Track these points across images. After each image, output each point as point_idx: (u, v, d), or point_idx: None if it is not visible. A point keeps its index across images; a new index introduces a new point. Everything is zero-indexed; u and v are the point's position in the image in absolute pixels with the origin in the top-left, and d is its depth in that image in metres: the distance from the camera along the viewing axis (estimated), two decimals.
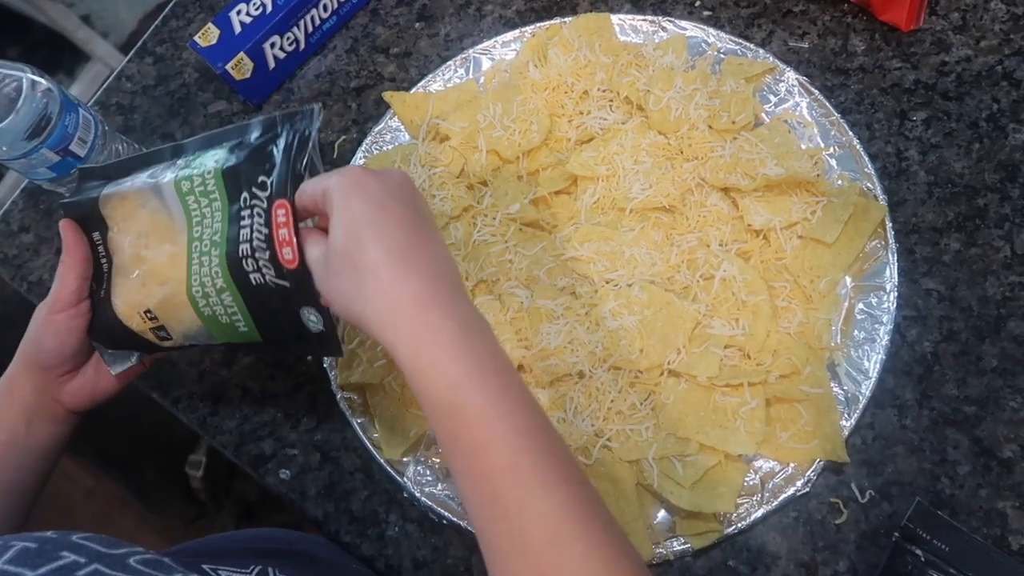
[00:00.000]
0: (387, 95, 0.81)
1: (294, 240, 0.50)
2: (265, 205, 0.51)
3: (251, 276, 0.52)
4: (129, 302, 0.58)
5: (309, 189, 0.50)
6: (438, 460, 0.69)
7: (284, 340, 0.56)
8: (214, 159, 0.55)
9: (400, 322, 0.46)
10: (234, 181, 0.54)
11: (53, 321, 0.59)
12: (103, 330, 0.59)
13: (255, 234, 0.52)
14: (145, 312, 0.57)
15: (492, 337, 0.48)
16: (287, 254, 0.50)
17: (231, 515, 1.53)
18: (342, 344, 0.54)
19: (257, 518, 1.53)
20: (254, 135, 0.56)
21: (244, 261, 0.52)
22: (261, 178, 0.52)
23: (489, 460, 0.44)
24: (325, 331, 0.53)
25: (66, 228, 0.58)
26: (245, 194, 0.53)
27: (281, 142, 0.53)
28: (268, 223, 0.51)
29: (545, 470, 0.44)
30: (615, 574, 0.42)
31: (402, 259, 0.46)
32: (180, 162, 0.58)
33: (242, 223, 0.53)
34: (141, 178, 0.58)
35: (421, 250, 0.48)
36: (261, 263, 0.51)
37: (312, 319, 0.52)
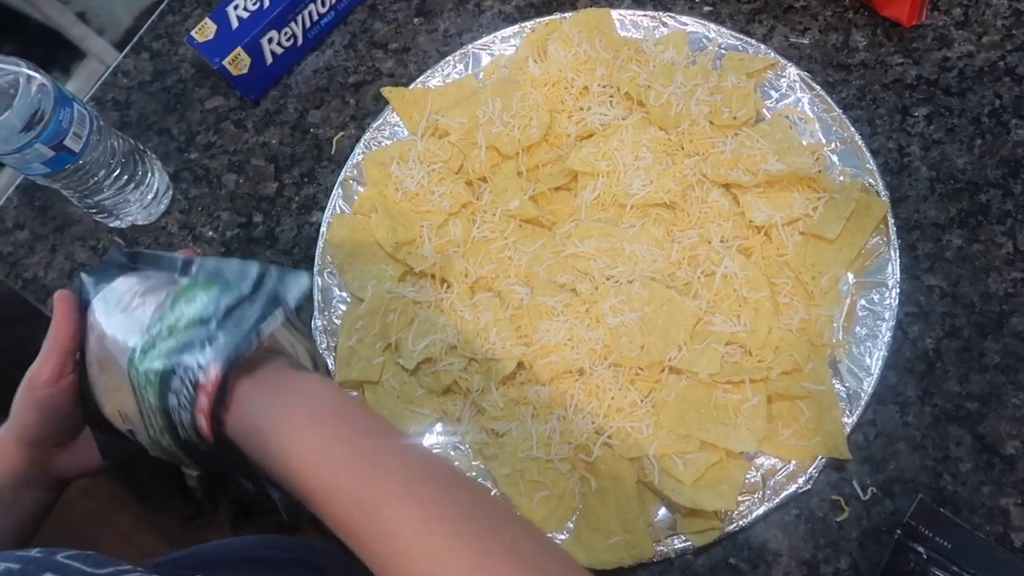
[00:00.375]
0: (386, 91, 0.80)
1: (209, 418, 0.46)
2: (193, 371, 0.47)
3: (177, 432, 0.48)
4: (107, 398, 0.54)
5: None
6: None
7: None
8: (198, 304, 0.51)
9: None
10: (190, 329, 0.49)
11: (35, 397, 0.56)
12: (94, 417, 0.56)
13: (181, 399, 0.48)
14: (118, 413, 0.53)
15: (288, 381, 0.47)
16: (200, 421, 0.47)
17: (227, 514, 1.52)
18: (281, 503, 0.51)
19: (254, 517, 1.52)
20: (244, 287, 0.51)
21: (181, 417, 0.48)
22: (202, 335, 0.48)
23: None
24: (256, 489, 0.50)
25: (59, 301, 0.56)
26: (191, 335, 0.48)
27: (256, 311, 0.49)
28: (195, 394, 0.47)
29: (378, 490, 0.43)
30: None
31: None
32: (167, 289, 0.53)
33: (176, 373, 0.47)
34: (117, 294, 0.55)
35: None
36: (189, 425, 0.48)
37: (248, 484, 0.50)
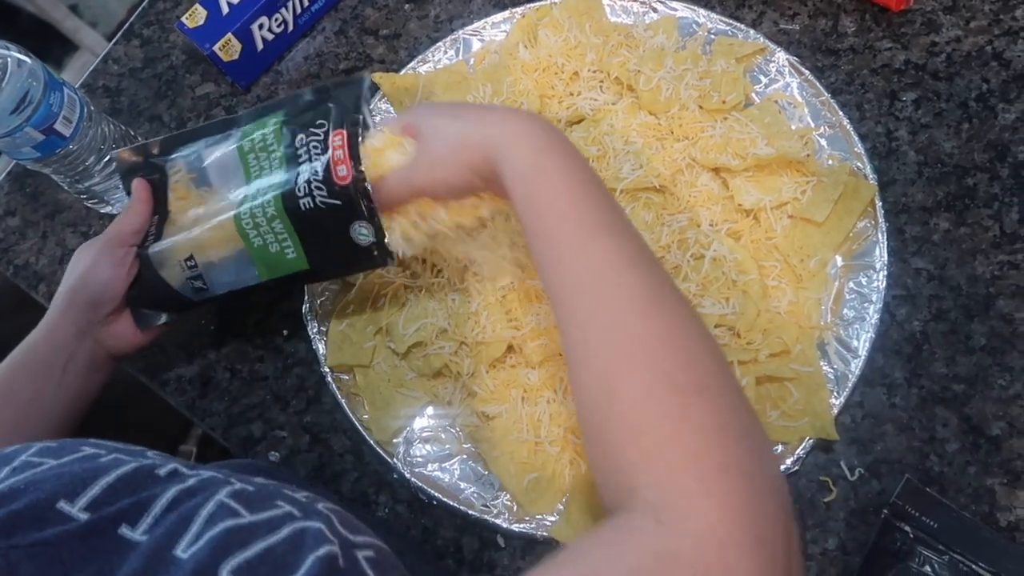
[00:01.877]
0: (376, 76, 0.80)
1: (348, 160, 0.55)
2: (321, 138, 0.57)
3: (301, 201, 0.57)
4: (172, 248, 0.62)
5: (396, 122, 0.58)
6: (427, 443, 0.69)
7: (330, 262, 0.60)
8: (272, 121, 0.61)
9: (493, 121, 0.52)
10: (291, 132, 0.59)
11: (111, 254, 0.63)
12: (141, 287, 0.64)
13: (311, 165, 0.57)
14: (186, 260, 0.62)
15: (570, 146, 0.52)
16: (341, 171, 0.55)
17: None
18: (392, 254, 0.58)
19: None
20: (306, 96, 0.62)
21: (297, 190, 0.57)
22: (319, 121, 0.59)
23: (552, 212, 0.48)
24: (376, 240, 0.57)
25: (140, 186, 0.65)
26: (301, 136, 0.58)
27: (339, 99, 0.60)
28: (325, 150, 0.56)
29: (595, 222, 0.47)
30: (665, 314, 0.44)
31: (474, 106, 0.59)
32: (236, 132, 0.63)
33: (299, 160, 0.58)
34: (195, 155, 0.65)
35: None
36: (314, 187, 0.56)
37: (363, 232, 0.57)
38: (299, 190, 0.57)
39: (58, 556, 0.35)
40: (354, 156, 0.56)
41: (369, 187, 0.55)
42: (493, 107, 0.58)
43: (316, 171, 0.56)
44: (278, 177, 0.59)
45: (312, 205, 0.56)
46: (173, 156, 0.66)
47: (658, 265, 0.47)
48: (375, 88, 0.80)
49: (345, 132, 0.57)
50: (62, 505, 0.37)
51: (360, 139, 0.57)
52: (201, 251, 0.61)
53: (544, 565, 0.38)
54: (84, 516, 0.37)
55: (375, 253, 0.58)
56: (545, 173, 0.49)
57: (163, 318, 0.67)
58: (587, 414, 0.44)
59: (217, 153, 0.63)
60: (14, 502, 0.37)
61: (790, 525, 0.39)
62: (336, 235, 0.57)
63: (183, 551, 0.36)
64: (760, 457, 0.41)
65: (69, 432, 0.64)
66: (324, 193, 0.56)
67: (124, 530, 0.37)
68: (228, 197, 0.61)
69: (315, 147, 0.57)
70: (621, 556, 0.37)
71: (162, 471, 0.41)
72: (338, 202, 0.56)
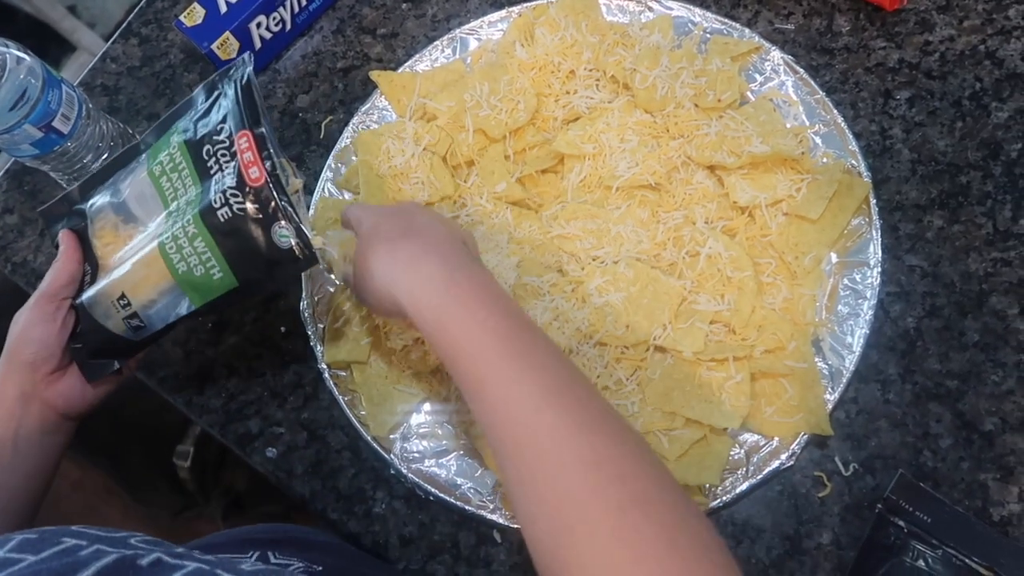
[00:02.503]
0: (374, 74, 0.81)
1: (258, 160, 0.54)
2: (227, 145, 0.56)
3: (219, 213, 0.55)
4: (103, 291, 0.60)
5: (349, 213, 0.61)
6: (424, 439, 0.69)
7: (259, 274, 0.57)
8: (176, 138, 0.59)
9: (396, 279, 0.53)
10: (196, 146, 0.58)
11: (40, 311, 0.60)
12: (82, 338, 0.61)
13: (223, 176, 0.55)
14: (118, 299, 0.59)
15: (479, 274, 0.53)
16: (253, 173, 0.54)
17: (219, 506, 1.52)
18: (315, 252, 0.56)
19: (245, 508, 1.53)
20: (200, 101, 0.60)
21: (214, 202, 0.55)
22: (219, 126, 0.57)
23: (470, 365, 0.48)
24: (299, 241, 0.55)
25: (67, 237, 0.63)
26: (207, 147, 0.57)
27: (229, 94, 0.58)
28: (233, 155, 0.55)
29: (507, 357, 0.47)
30: (598, 440, 0.44)
31: (395, 237, 0.55)
32: (145, 155, 0.62)
33: (211, 172, 0.56)
34: (111, 193, 0.63)
35: (415, 229, 0.56)
36: (229, 196, 0.54)
37: (283, 233, 0.55)
38: (215, 202, 0.55)
39: None
40: (263, 155, 0.54)
41: (285, 183, 0.54)
42: (409, 233, 0.55)
43: (229, 179, 0.55)
44: (193, 194, 0.57)
45: (230, 214, 0.55)
46: (93, 199, 0.64)
47: (579, 385, 0.47)
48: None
49: (250, 133, 0.55)
50: None
51: (268, 131, 0.56)
52: (132, 289, 0.59)
53: None
54: None
55: (298, 255, 0.55)
56: (449, 325, 0.49)
57: (114, 366, 0.62)
58: (537, 541, 0.43)
59: (132, 183, 0.62)
60: None
61: None
62: (258, 242, 0.55)
63: None
64: (707, 559, 0.41)
65: (36, 501, 0.61)
66: (239, 199, 0.54)
67: None
68: (150, 227, 0.60)
69: (222, 155, 0.56)
70: None
71: (144, 561, 0.40)
72: (255, 205, 0.54)
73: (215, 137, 0.57)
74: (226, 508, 1.52)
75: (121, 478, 1.47)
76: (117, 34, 0.93)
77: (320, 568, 0.59)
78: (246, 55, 0.61)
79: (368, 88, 0.83)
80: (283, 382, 0.75)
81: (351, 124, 0.80)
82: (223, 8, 0.82)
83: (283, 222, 0.54)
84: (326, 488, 0.71)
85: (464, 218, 0.73)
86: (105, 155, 0.77)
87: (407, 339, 0.70)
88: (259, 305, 0.78)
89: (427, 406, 0.70)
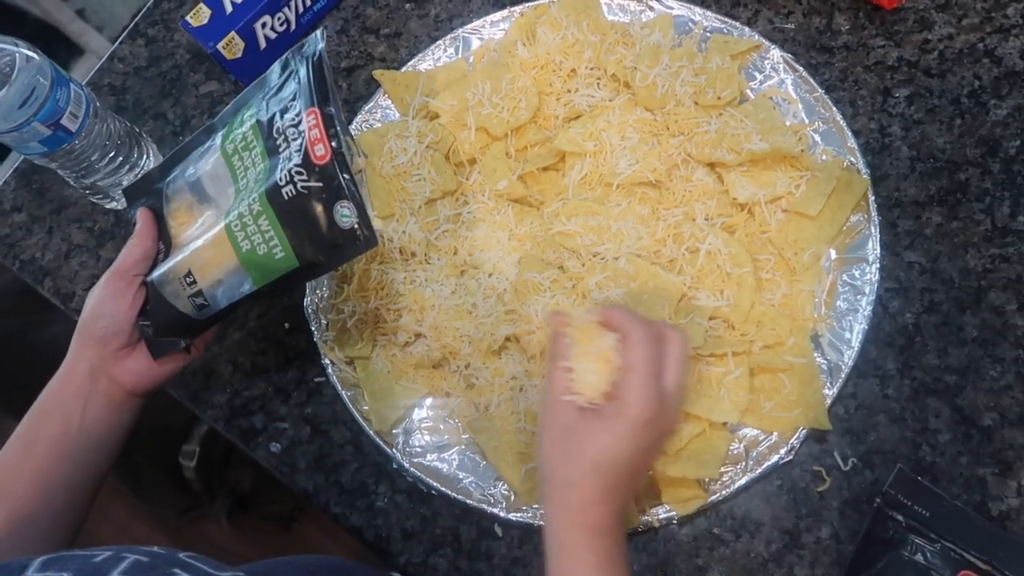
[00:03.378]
0: (377, 74, 0.81)
1: (325, 138, 0.54)
2: (296, 123, 0.56)
3: (283, 191, 0.55)
4: (172, 269, 0.61)
5: (622, 319, 0.52)
6: (426, 434, 0.70)
7: (319, 255, 0.57)
8: (248, 116, 0.60)
9: (583, 491, 0.51)
10: (268, 125, 0.58)
11: (111, 286, 0.61)
12: (152, 316, 0.62)
13: (291, 154, 0.56)
14: (185, 277, 0.60)
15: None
16: (319, 151, 0.54)
17: (223, 506, 1.53)
18: (376, 234, 0.56)
19: (249, 508, 1.53)
20: (274, 78, 0.61)
21: (280, 180, 0.55)
22: (290, 103, 0.57)
23: None
24: (360, 221, 0.55)
25: (143, 214, 0.64)
26: (278, 124, 0.57)
27: (301, 72, 0.58)
28: (300, 134, 0.55)
29: None
30: None
31: (607, 488, 0.51)
32: (219, 135, 0.63)
33: (279, 150, 0.57)
34: (187, 172, 0.64)
35: (623, 490, 0.52)
36: (294, 173, 0.55)
37: (345, 212, 0.54)
38: (281, 180, 0.55)
39: None
40: (330, 133, 0.54)
41: (350, 162, 0.54)
42: (629, 463, 0.51)
43: (295, 157, 0.55)
44: (262, 172, 0.58)
45: (295, 192, 0.55)
46: (171, 177, 0.65)
47: None
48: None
49: (318, 111, 0.56)
50: None
51: (336, 110, 0.56)
52: (198, 267, 0.60)
53: None
54: None
55: (358, 235, 0.55)
56: (565, 552, 0.50)
57: (180, 345, 0.63)
58: None
59: (206, 163, 0.62)
60: None
61: None
62: (320, 221, 0.55)
63: None
64: None
65: (102, 474, 0.63)
66: (304, 177, 0.55)
67: None
68: (221, 206, 0.61)
69: (291, 132, 0.56)
70: None
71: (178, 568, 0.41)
72: (319, 183, 0.54)
73: (285, 115, 0.57)
74: (231, 508, 1.53)
75: (128, 478, 1.47)
76: (124, 35, 0.94)
77: None
78: (319, 32, 0.60)
79: (372, 87, 0.84)
80: (287, 378, 0.76)
81: (355, 123, 0.81)
82: (228, 8, 0.83)
83: (346, 201, 0.54)
84: (329, 482, 0.71)
85: (466, 215, 0.73)
86: (112, 153, 0.78)
87: (409, 335, 0.71)
88: (263, 302, 0.78)
89: (429, 401, 0.71)
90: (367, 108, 0.81)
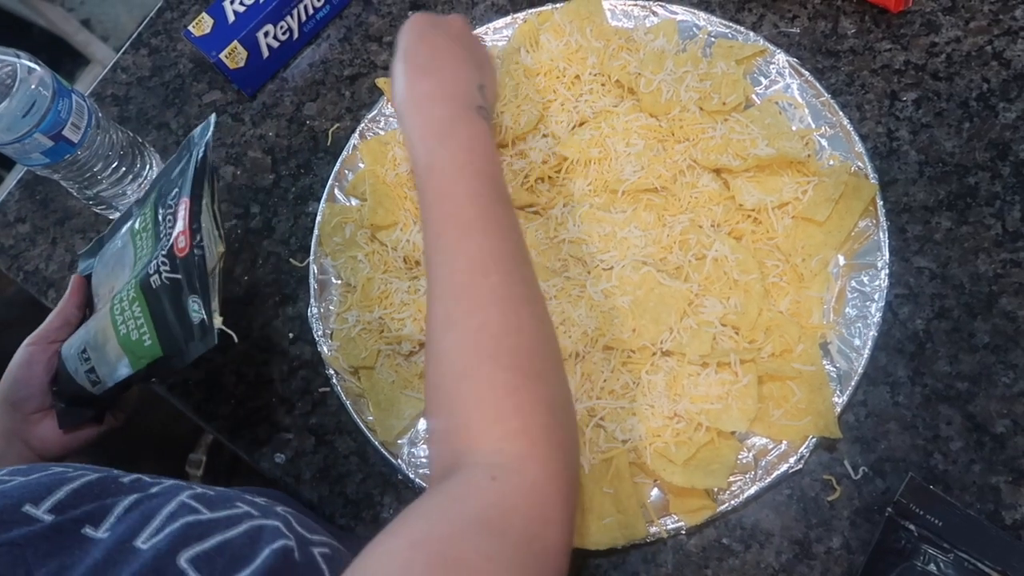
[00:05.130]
0: (380, 81, 0.81)
1: (188, 231, 0.54)
2: (174, 211, 0.56)
3: (152, 280, 0.55)
4: (73, 342, 0.61)
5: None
6: None
7: (177, 346, 0.55)
8: (153, 196, 0.61)
9: (407, 112, 0.60)
10: (161, 206, 0.59)
11: (27, 351, 0.62)
12: (59, 384, 0.62)
13: (166, 242, 0.56)
14: (81, 353, 0.60)
15: (477, 127, 0.59)
16: (180, 243, 0.54)
17: None
18: (214, 332, 0.54)
19: None
20: (181, 158, 0.61)
21: (150, 269, 0.55)
22: (175, 190, 0.58)
23: (443, 208, 0.54)
24: (204, 317, 0.54)
25: (73, 281, 0.66)
26: (162, 211, 0.58)
27: (194, 155, 0.58)
28: (175, 221, 0.56)
29: (484, 221, 0.53)
30: (520, 311, 0.49)
31: (419, 68, 0.62)
32: (136, 210, 0.63)
33: (161, 238, 0.57)
34: (114, 241, 0.65)
35: (439, 63, 0.62)
36: (161, 263, 0.55)
37: (194, 308, 0.54)
38: (151, 269, 0.55)
39: (22, 555, 0.36)
40: (194, 228, 0.54)
41: (208, 260, 0.53)
42: (431, 68, 0.62)
43: (165, 246, 0.55)
44: (148, 256, 0.57)
45: (160, 283, 0.55)
46: (110, 242, 0.64)
47: (524, 263, 0.53)
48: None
49: (188, 200, 0.55)
50: (28, 508, 0.39)
51: (209, 200, 0.56)
52: (92, 343, 0.59)
53: (393, 524, 0.41)
54: (49, 518, 0.38)
55: (204, 332, 0.54)
56: (435, 170, 0.55)
57: (87, 416, 0.63)
58: (438, 380, 0.49)
59: (123, 234, 0.63)
60: None
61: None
62: (177, 314, 0.55)
63: (143, 543, 0.38)
64: (573, 437, 0.48)
65: None
66: (168, 268, 0.54)
67: (87, 530, 0.39)
68: (119, 285, 0.60)
69: (169, 221, 0.56)
70: (464, 505, 0.41)
71: (126, 479, 0.43)
72: (178, 276, 0.54)
73: (169, 201, 0.58)
74: None
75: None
76: (127, 45, 0.94)
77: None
78: (212, 116, 0.61)
79: (375, 95, 0.84)
80: (291, 388, 0.75)
81: (358, 131, 0.80)
82: (231, 18, 0.83)
83: (196, 297, 0.54)
84: (334, 493, 0.71)
85: None
86: (115, 164, 0.78)
87: (414, 344, 0.70)
88: (267, 312, 0.78)
89: None
90: (370, 116, 0.81)
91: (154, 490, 0.43)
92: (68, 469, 0.43)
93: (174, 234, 0.55)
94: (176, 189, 0.58)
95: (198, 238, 0.54)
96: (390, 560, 0.38)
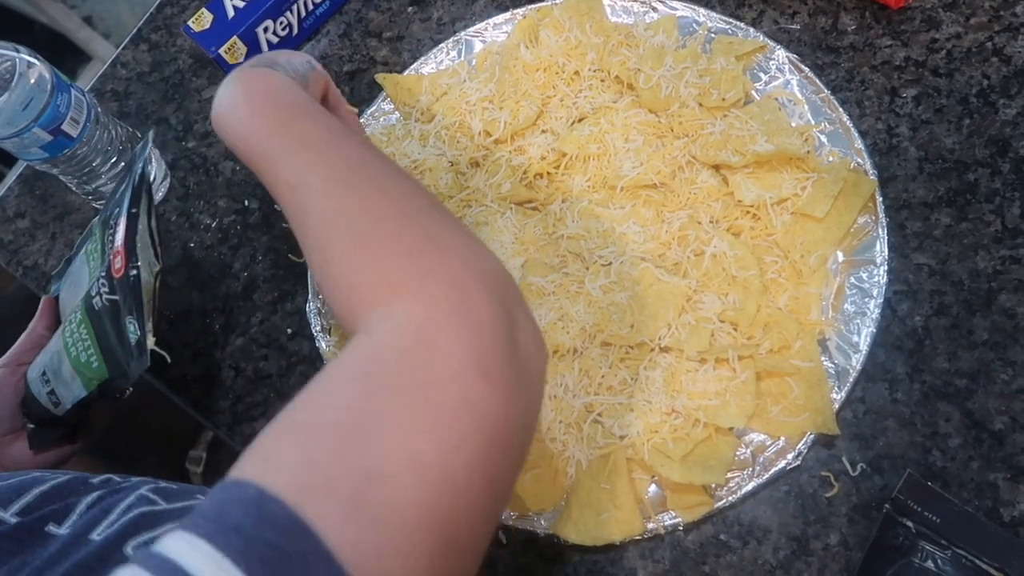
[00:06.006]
0: (380, 77, 0.81)
1: (124, 251, 0.53)
2: (115, 230, 0.56)
3: (94, 301, 0.55)
4: (36, 365, 0.61)
5: None
6: None
7: (120, 367, 0.55)
8: (106, 214, 0.61)
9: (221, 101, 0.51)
10: (104, 226, 0.59)
11: (1, 374, 0.63)
12: (27, 405, 0.63)
13: (106, 262, 0.55)
14: (42, 375, 0.60)
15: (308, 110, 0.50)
16: (117, 263, 0.53)
17: None
18: (148, 355, 0.53)
19: None
20: (130, 176, 0.60)
21: (92, 291, 0.55)
22: (116, 210, 0.57)
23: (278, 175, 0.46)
24: (139, 336, 0.53)
25: (43, 303, 0.67)
26: (108, 232, 0.57)
27: (136, 171, 0.58)
28: (114, 240, 0.55)
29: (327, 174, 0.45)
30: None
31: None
32: (95, 229, 0.63)
33: (104, 258, 0.56)
34: (73, 267, 0.65)
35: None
36: (101, 284, 0.54)
37: (131, 328, 0.53)
38: (92, 290, 0.55)
39: None
40: (129, 247, 0.53)
41: (143, 279, 0.53)
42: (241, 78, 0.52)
43: (105, 267, 0.55)
44: (96, 277, 0.57)
45: (101, 304, 0.54)
46: (73, 263, 0.64)
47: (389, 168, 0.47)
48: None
49: (125, 219, 0.54)
50: None
51: (146, 217, 0.55)
52: (50, 366, 0.59)
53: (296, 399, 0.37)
54: (14, 520, 0.40)
55: (140, 353, 0.53)
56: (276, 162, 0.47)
57: (55, 437, 0.63)
58: (323, 242, 0.43)
59: (80, 257, 0.63)
60: None
61: (510, 318, 0.39)
62: (117, 334, 0.54)
63: (97, 535, 0.39)
64: (469, 265, 0.40)
65: None
66: (107, 289, 0.54)
67: (50, 528, 0.40)
68: (74, 306, 0.60)
69: (110, 239, 0.56)
70: (346, 364, 0.37)
71: (95, 480, 0.43)
72: (116, 297, 0.53)
73: (111, 220, 0.57)
74: None
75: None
76: (127, 40, 0.94)
77: None
78: (151, 132, 0.60)
79: (374, 91, 0.84)
80: (289, 383, 0.75)
81: None
82: (231, 13, 0.83)
83: (132, 318, 0.53)
84: None
85: (469, 219, 0.73)
86: (114, 159, 0.78)
87: None
88: (265, 307, 0.78)
89: None
90: (369, 112, 0.81)
91: (120, 487, 0.43)
92: (46, 474, 0.44)
93: (111, 255, 0.55)
94: (117, 208, 0.57)
95: (133, 258, 0.53)
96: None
